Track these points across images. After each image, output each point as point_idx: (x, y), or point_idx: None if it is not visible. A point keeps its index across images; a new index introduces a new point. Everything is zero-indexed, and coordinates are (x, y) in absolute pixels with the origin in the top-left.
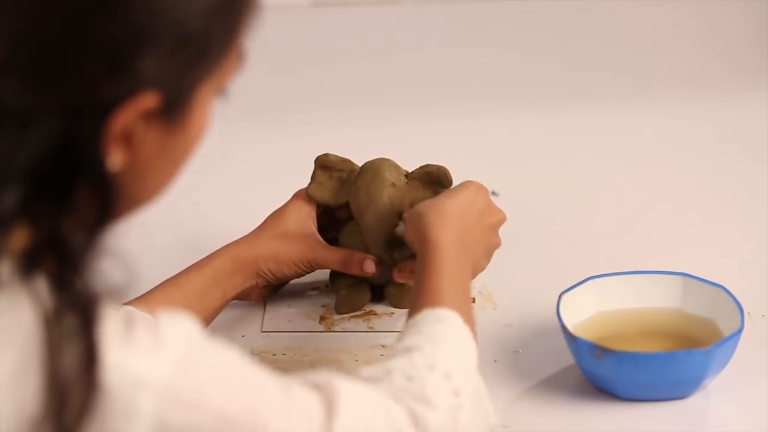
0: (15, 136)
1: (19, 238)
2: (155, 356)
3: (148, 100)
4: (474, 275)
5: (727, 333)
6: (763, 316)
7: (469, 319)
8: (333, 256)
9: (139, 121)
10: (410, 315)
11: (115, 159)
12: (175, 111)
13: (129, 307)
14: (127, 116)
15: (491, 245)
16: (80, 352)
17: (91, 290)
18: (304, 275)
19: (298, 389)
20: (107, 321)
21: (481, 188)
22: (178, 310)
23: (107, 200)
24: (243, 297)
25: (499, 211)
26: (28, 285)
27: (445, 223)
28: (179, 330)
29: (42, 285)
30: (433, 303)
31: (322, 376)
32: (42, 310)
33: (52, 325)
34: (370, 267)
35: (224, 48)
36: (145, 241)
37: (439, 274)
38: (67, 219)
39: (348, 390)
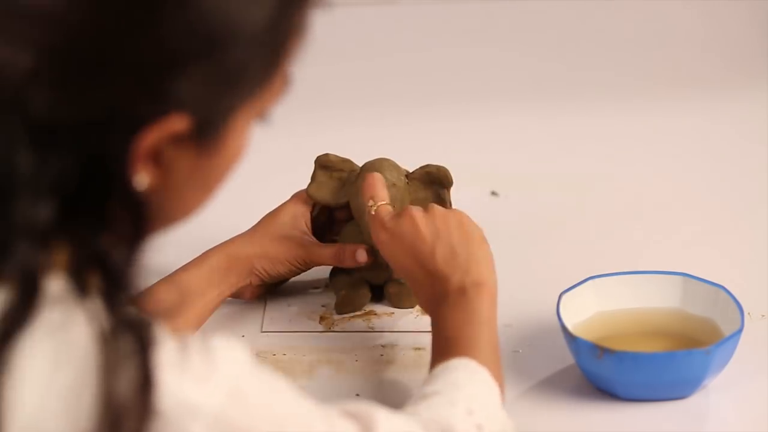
0: (45, 149)
1: (63, 254)
2: (208, 384)
3: (178, 123)
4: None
5: (727, 333)
6: (763, 316)
7: (498, 376)
8: (326, 251)
9: (169, 142)
10: (438, 363)
11: (142, 178)
12: (208, 135)
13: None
14: (155, 137)
15: (490, 260)
16: (136, 374)
17: (143, 310)
18: (298, 274)
19: (338, 418)
20: (163, 344)
21: (454, 219)
22: (178, 311)
23: (139, 217)
24: (237, 295)
25: (476, 228)
26: (82, 302)
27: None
28: (232, 357)
29: (98, 303)
30: (450, 355)
31: (359, 405)
32: (98, 329)
33: (108, 344)
34: (362, 256)
35: (266, 74)
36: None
37: (475, 328)
38: (104, 235)
39: (384, 419)
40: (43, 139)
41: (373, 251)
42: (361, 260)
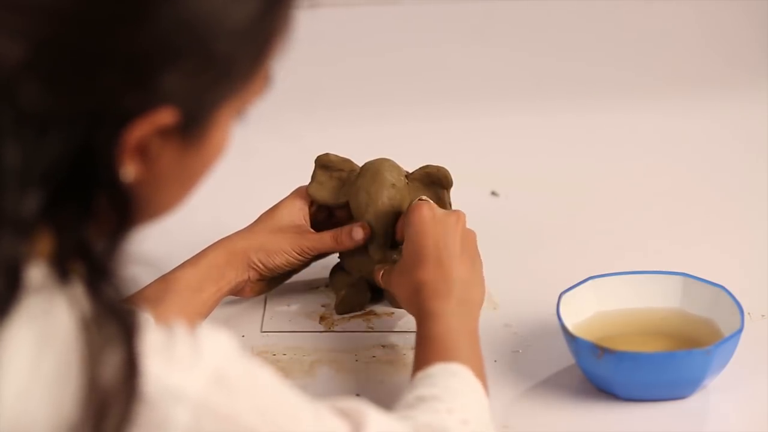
0: (33, 141)
1: (45, 243)
2: (193, 370)
3: (165, 117)
4: (481, 303)
5: (727, 333)
6: (763, 316)
7: (480, 374)
8: (324, 236)
9: (155, 136)
10: (420, 368)
11: (129, 171)
12: (193, 129)
13: (168, 318)
14: (143, 130)
15: (478, 258)
16: (121, 360)
17: (128, 299)
18: (297, 267)
19: (327, 414)
20: (148, 331)
21: (440, 218)
22: (172, 307)
23: (124, 209)
24: (237, 292)
25: (469, 229)
26: (63, 289)
27: (444, 290)
28: (217, 345)
29: (79, 290)
30: (444, 357)
31: (350, 403)
32: (80, 315)
33: (91, 331)
34: (358, 233)
35: (250, 71)
36: (143, 240)
37: (447, 330)
38: (89, 225)
39: (375, 419)
40: (32, 131)
41: (371, 237)
42: (357, 238)
